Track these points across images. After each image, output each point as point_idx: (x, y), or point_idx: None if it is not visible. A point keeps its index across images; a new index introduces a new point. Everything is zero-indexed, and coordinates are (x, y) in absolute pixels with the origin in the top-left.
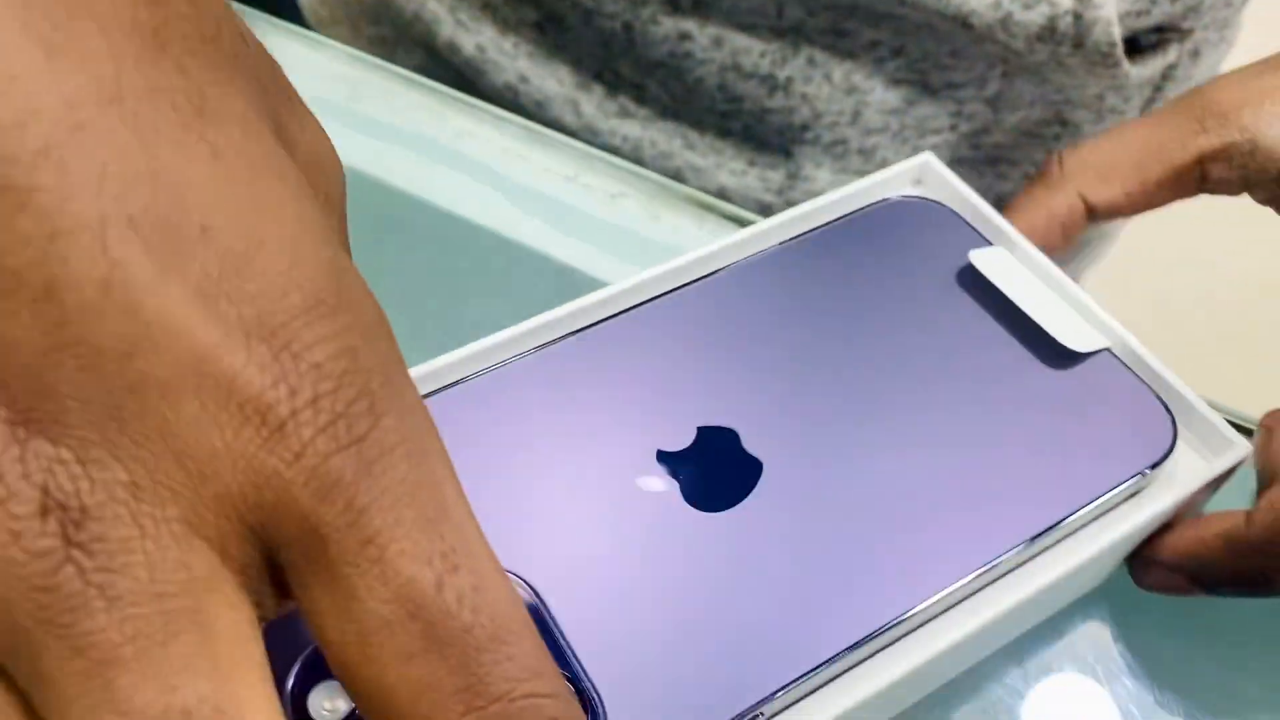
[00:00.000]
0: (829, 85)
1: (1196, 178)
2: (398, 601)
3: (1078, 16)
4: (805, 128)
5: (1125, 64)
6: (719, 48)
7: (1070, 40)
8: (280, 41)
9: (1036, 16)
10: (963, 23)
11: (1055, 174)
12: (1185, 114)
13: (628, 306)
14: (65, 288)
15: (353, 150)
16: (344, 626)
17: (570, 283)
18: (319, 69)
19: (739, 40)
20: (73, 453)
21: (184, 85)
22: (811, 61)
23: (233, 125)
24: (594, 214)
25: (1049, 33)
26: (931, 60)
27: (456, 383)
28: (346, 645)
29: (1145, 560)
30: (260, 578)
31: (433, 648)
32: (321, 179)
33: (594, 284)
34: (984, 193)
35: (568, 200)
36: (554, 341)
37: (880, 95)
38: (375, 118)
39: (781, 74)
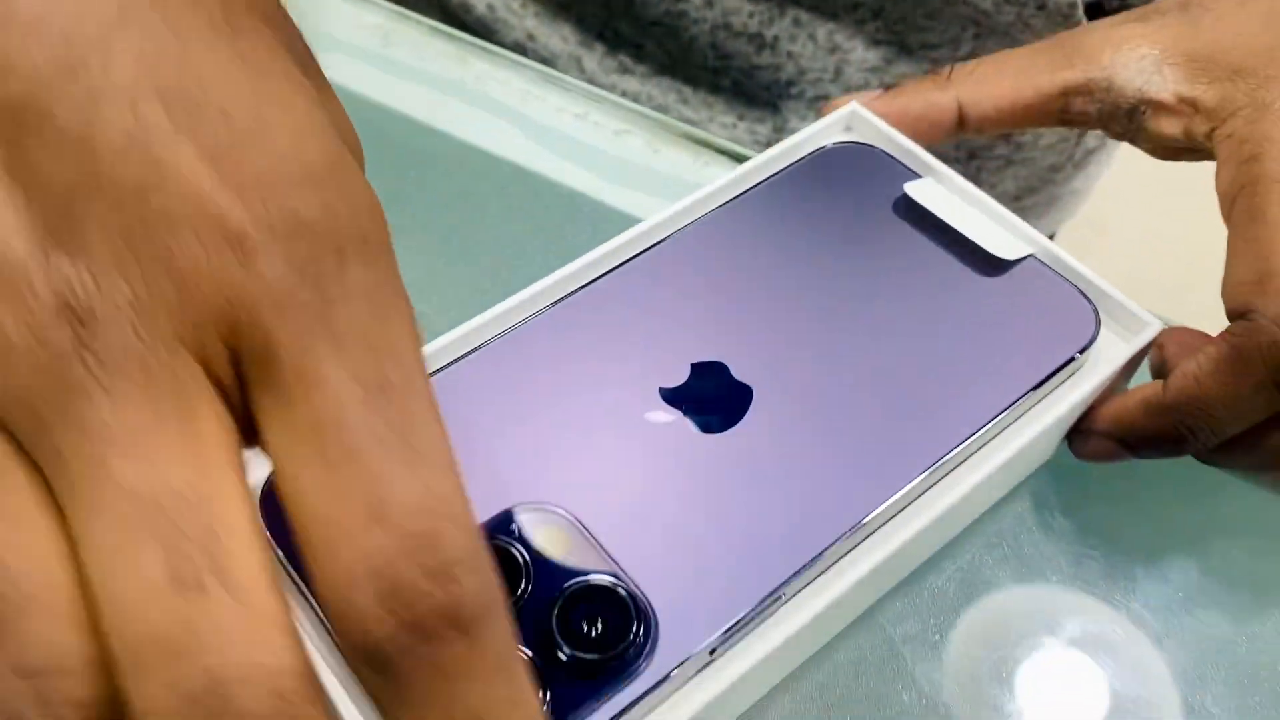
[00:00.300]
0: (813, 44)
1: (1059, 107)
2: (327, 411)
3: None
4: (790, 84)
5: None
6: (711, 7)
7: (1034, 2)
8: None
9: None
10: None
11: (942, 77)
12: (1058, 50)
13: (613, 266)
14: (98, 136)
15: (386, 90)
16: (279, 438)
17: (578, 207)
18: (354, 19)
19: (729, 1)
20: (88, 270)
21: (222, 8)
22: (797, 22)
23: (260, 45)
24: (601, 148)
25: None
26: (908, 22)
27: (480, 346)
28: (280, 457)
29: (1081, 432)
30: (238, 402)
31: (348, 459)
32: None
33: (599, 208)
34: (959, 146)
35: (578, 136)
36: (551, 306)
37: (860, 54)
38: (406, 62)
39: (769, 33)
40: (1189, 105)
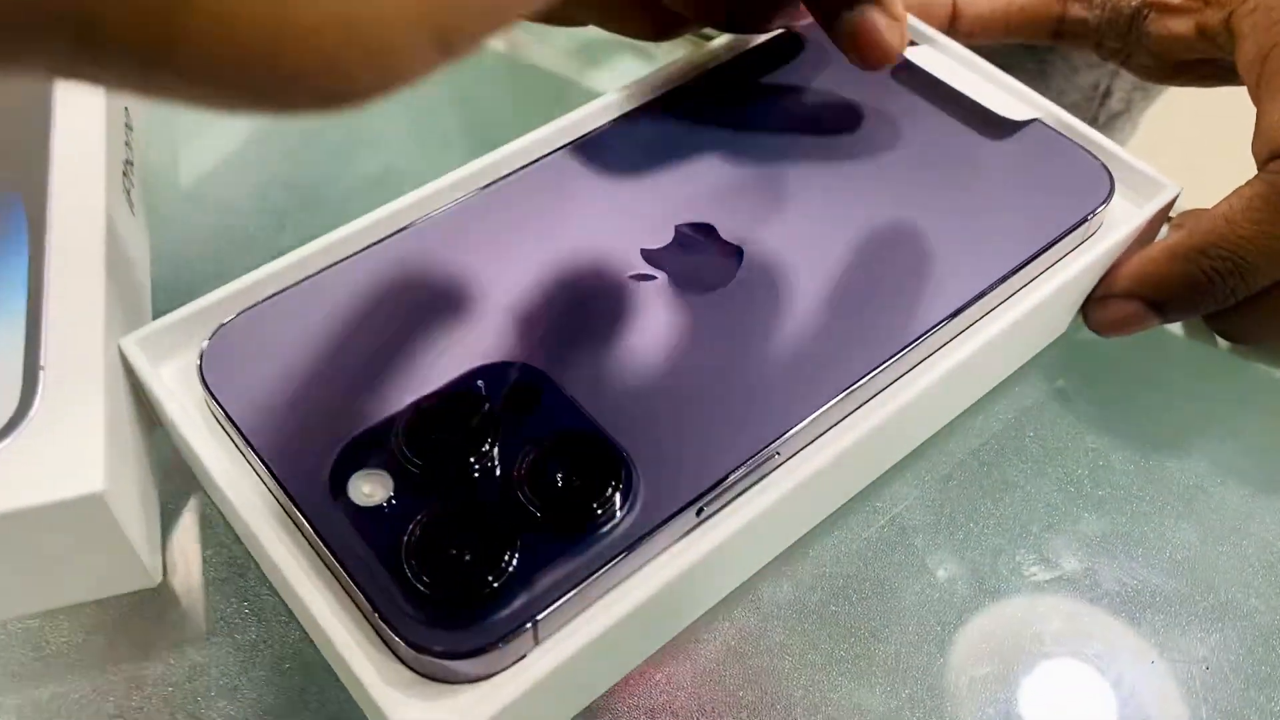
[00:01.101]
0: None
1: (1057, 15)
2: None
3: None
4: None
5: None
6: None
7: None
8: None
9: None
10: None
11: None
12: None
13: (598, 127)
14: None
15: None
16: None
17: (574, 94)
18: None
19: None
20: None
21: None
22: None
23: None
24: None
25: None
26: None
27: (460, 200)
28: None
29: (1100, 299)
30: None
31: None
32: None
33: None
34: None
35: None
36: (530, 164)
37: None
38: None
39: None
40: (1197, 2)
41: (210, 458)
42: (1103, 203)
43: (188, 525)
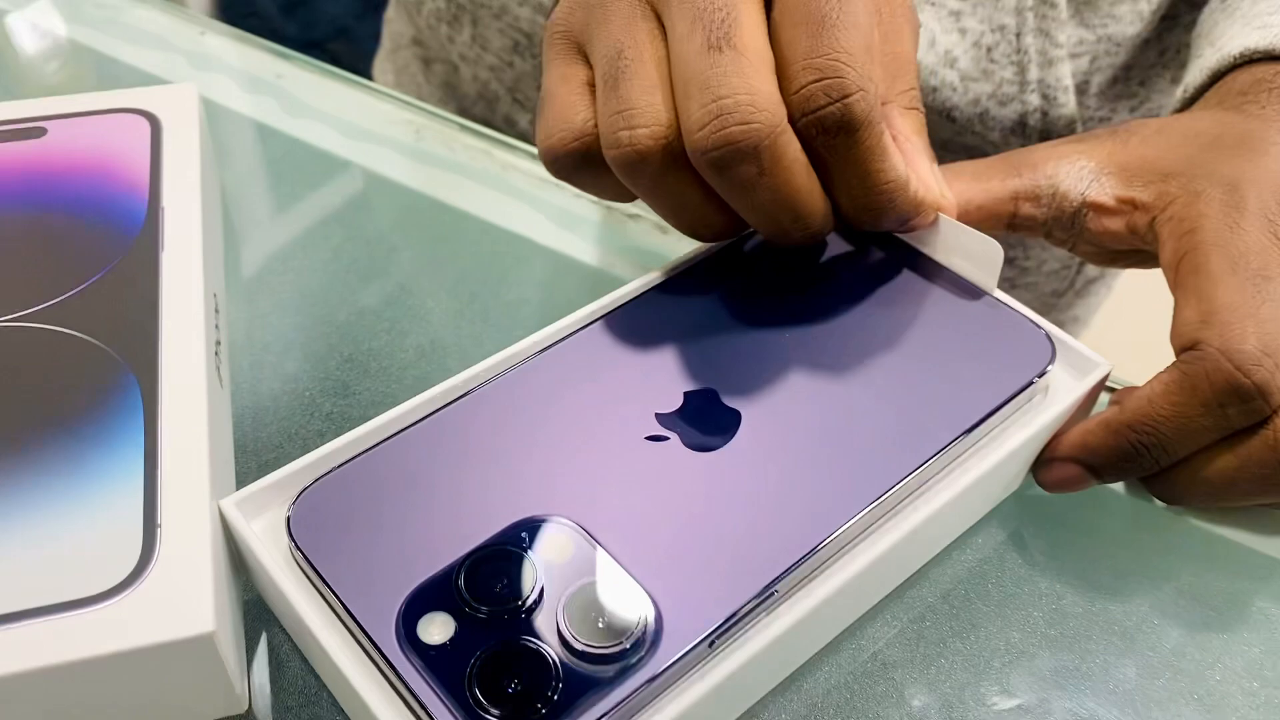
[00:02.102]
0: None
1: (1009, 212)
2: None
3: (1044, 114)
4: None
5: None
6: None
7: (1038, 134)
8: (354, 94)
9: (1010, 113)
10: (947, 116)
11: None
12: (1005, 162)
13: (615, 307)
14: None
15: (417, 176)
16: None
17: (595, 281)
18: (388, 115)
19: None
20: None
21: None
22: None
23: None
24: (615, 229)
25: (1020, 127)
26: None
27: (498, 376)
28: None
29: (1047, 461)
30: None
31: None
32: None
33: (615, 281)
34: None
35: (594, 219)
36: (557, 343)
37: None
38: (436, 153)
39: None
40: (1128, 204)
41: (296, 600)
42: (1047, 365)
43: (264, 657)
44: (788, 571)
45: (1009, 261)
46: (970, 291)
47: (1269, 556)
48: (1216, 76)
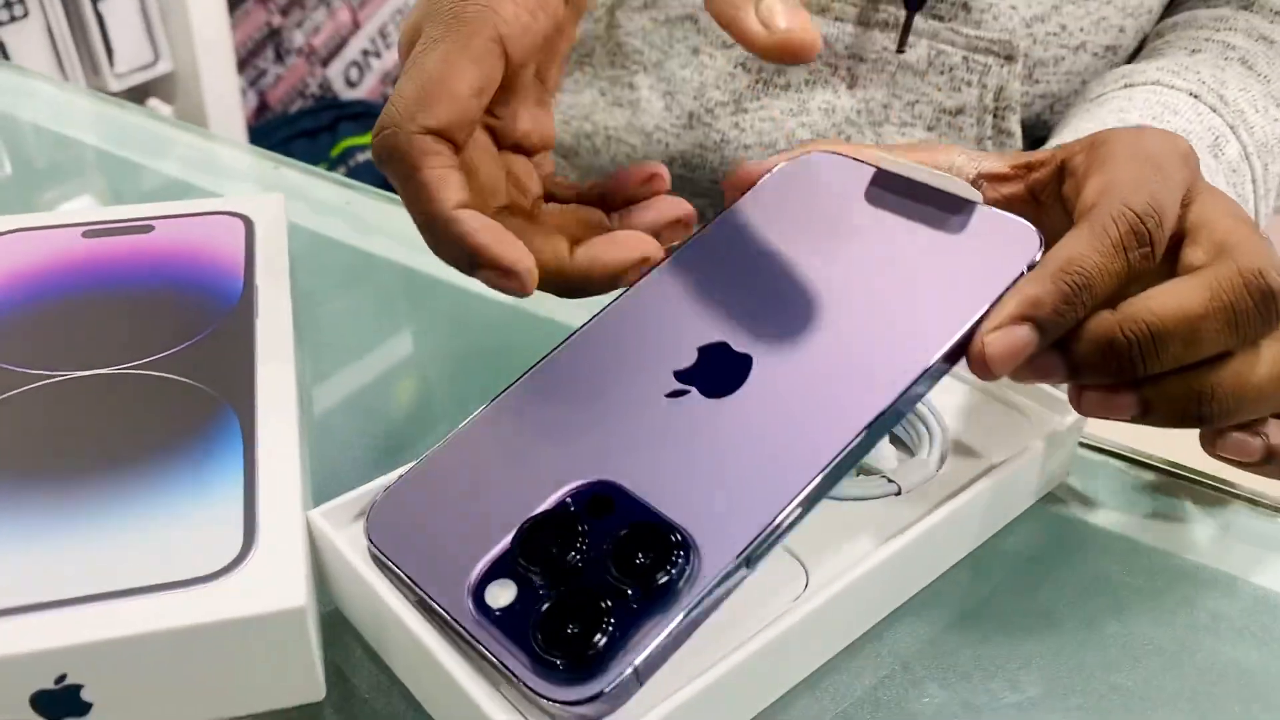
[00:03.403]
0: None
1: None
2: None
3: None
4: None
5: None
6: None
7: None
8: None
9: None
10: None
11: (817, 143)
12: (907, 146)
13: (618, 296)
14: None
15: (352, 235)
16: None
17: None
18: (319, 188)
19: None
20: None
21: None
22: None
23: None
24: None
25: None
26: None
27: (522, 377)
28: None
29: (991, 330)
30: None
31: None
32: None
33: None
34: None
35: None
36: (581, 329)
37: None
38: (367, 218)
39: None
40: (1023, 168)
41: (379, 591)
42: (1038, 251)
43: (341, 658)
44: (812, 483)
45: None
46: (953, 201)
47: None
48: None
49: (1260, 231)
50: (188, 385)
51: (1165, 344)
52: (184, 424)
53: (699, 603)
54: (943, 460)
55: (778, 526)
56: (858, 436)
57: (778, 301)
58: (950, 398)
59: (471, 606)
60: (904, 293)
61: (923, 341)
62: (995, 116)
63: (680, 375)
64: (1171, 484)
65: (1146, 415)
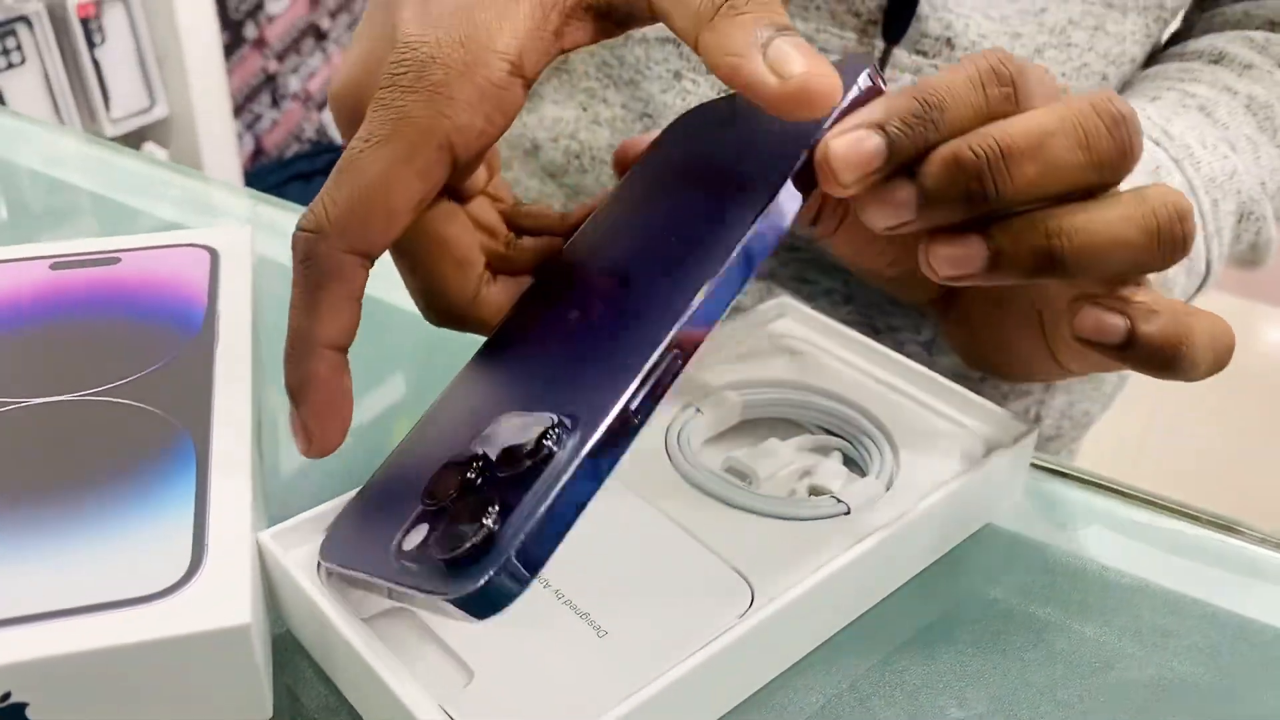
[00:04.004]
0: None
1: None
2: None
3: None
4: None
5: None
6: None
7: None
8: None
9: None
10: None
11: None
12: None
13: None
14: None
15: None
16: None
17: None
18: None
19: None
20: None
21: None
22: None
23: None
24: None
25: None
26: (876, 306)
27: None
28: None
29: (837, 135)
30: None
31: None
32: None
33: None
34: None
35: None
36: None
37: None
38: None
39: None
40: None
41: (324, 606)
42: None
43: (289, 678)
44: (679, 325)
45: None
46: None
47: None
48: None
49: None
50: (145, 411)
51: (1016, 162)
52: (139, 448)
53: (574, 474)
54: (892, 480)
55: (655, 377)
56: (722, 267)
57: (648, 225)
58: (900, 416)
59: (394, 560)
60: (749, 158)
61: (766, 176)
62: None
63: (573, 318)
64: (1119, 503)
65: (996, 265)
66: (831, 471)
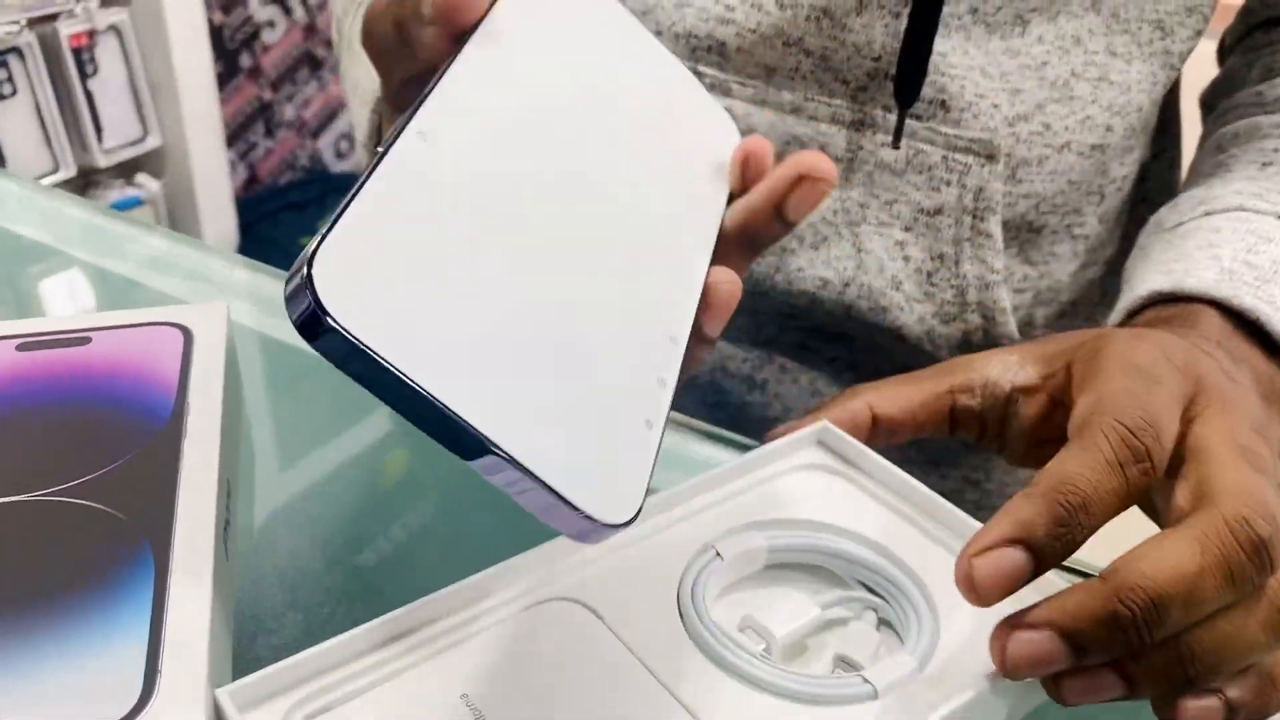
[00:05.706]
0: (797, 387)
1: (949, 405)
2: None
3: (986, 332)
4: (777, 420)
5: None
6: (711, 354)
7: (983, 350)
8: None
9: (953, 331)
10: (896, 335)
11: (851, 391)
12: (944, 366)
13: None
14: None
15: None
16: None
17: None
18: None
19: (726, 349)
20: None
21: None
22: (783, 369)
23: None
24: None
25: (965, 344)
26: (880, 374)
27: None
28: None
29: (1010, 629)
30: None
31: None
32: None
33: None
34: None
35: None
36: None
37: None
38: None
39: (759, 376)
40: (1050, 378)
41: None
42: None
43: None
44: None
45: (953, 465)
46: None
47: None
48: (1131, 314)
49: (1261, 455)
50: (106, 514)
51: (1167, 608)
52: (96, 557)
53: (373, 167)
54: (929, 655)
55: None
56: None
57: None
58: (944, 574)
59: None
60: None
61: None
62: (974, 217)
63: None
64: None
65: (1132, 694)
66: (861, 637)
